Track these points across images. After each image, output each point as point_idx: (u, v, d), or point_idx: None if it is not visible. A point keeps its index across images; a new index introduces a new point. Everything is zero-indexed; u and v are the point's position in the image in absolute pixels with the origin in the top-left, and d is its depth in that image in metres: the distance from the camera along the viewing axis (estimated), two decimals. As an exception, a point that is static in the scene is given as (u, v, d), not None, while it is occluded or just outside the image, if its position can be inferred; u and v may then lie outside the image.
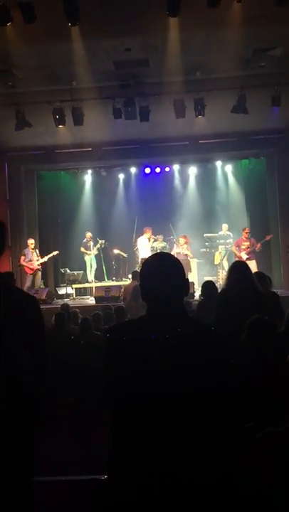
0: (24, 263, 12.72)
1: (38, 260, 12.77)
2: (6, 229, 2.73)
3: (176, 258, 2.18)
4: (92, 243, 14.11)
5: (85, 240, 14.20)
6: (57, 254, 13.46)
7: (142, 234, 13.76)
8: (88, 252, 14.12)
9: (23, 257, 12.72)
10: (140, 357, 1.95)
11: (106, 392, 2.08)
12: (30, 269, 12.68)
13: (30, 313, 2.55)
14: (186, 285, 2.11)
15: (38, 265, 12.79)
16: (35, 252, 12.87)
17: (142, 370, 1.93)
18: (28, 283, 12.70)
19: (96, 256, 14.28)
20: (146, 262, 2.15)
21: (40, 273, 13.02)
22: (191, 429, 1.88)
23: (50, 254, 13.15)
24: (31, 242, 12.90)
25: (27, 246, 12.87)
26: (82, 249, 14.14)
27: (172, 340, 1.95)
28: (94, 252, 14.13)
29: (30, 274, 12.73)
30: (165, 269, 2.08)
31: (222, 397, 1.98)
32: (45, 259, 13.00)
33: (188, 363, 1.92)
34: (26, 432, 2.45)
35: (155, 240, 13.65)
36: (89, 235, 14.19)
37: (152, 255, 2.23)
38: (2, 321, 2.39)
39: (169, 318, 2.00)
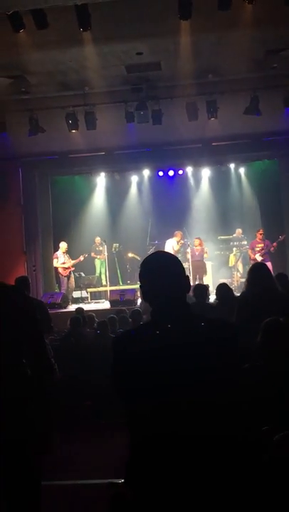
0: (58, 265, 12.93)
1: (69, 262, 13.00)
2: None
3: (173, 256, 2.16)
4: (101, 248, 14.21)
5: (93, 245, 14.31)
6: (86, 256, 13.60)
7: (171, 236, 13.74)
8: (98, 256, 14.22)
9: (55, 260, 12.94)
10: (148, 359, 1.94)
11: (117, 394, 2.09)
12: (65, 270, 12.92)
13: (22, 313, 2.44)
14: (187, 282, 2.07)
15: (72, 266, 13.09)
16: (67, 255, 13.07)
17: (151, 370, 1.92)
18: (64, 286, 12.98)
19: (109, 260, 14.31)
20: (144, 263, 2.11)
21: (73, 276, 13.29)
22: (205, 424, 1.87)
23: (81, 257, 13.31)
24: (64, 245, 13.10)
25: (58, 249, 13.13)
26: (93, 254, 14.27)
27: (177, 335, 1.93)
28: (103, 255, 14.20)
29: (65, 276, 12.92)
30: (163, 268, 2.04)
31: (234, 387, 1.98)
32: (76, 261, 13.18)
33: (197, 355, 1.90)
34: (31, 439, 2.39)
35: (183, 245, 13.61)
36: (98, 239, 14.30)
37: (149, 255, 2.18)
38: None
39: (173, 316, 1.98)
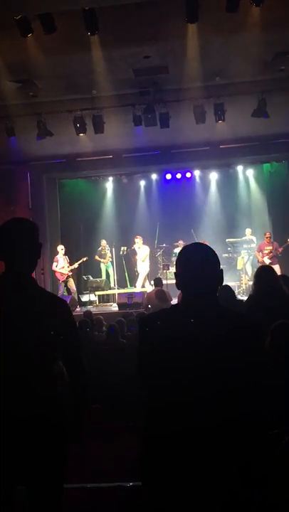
0: (56, 269, 12.88)
1: (68, 267, 12.90)
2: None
3: (211, 249, 2.21)
4: (106, 251, 14.19)
5: (99, 248, 14.33)
6: (86, 259, 13.53)
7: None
8: (102, 260, 14.23)
9: (55, 263, 12.90)
10: (174, 340, 2.00)
11: (140, 377, 2.15)
12: (62, 275, 12.83)
13: (62, 319, 2.47)
14: (221, 275, 2.15)
15: (70, 271, 12.92)
16: (66, 258, 13.01)
17: (176, 355, 1.97)
18: (61, 290, 12.87)
19: (117, 263, 14.30)
20: (181, 252, 2.19)
21: (72, 279, 13.17)
22: (221, 414, 1.89)
23: (80, 261, 13.26)
24: (61, 248, 13.06)
25: (57, 253, 13.05)
26: (97, 257, 14.28)
27: (206, 325, 1.99)
28: (108, 259, 14.18)
29: (62, 281, 12.87)
30: (203, 259, 2.12)
31: (256, 384, 2.01)
32: (76, 265, 13.10)
33: (223, 348, 1.96)
34: (58, 441, 2.42)
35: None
36: (104, 242, 14.30)
37: (189, 245, 2.25)
38: (30, 325, 2.35)
39: (204, 306, 2.05)
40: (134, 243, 13.62)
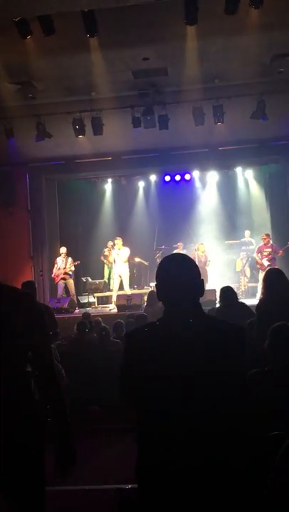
0: (53, 271, 12.87)
1: (64, 268, 12.87)
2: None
3: (190, 258, 2.20)
4: (107, 253, 14.16)
5: (105, 249, 14.27)
6: (78, 263, 13.45)
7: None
8: (105, 260, 14.20)
9: (55, 266, 12.89)
10: (159, 353, 1.98)
11: (123, 392, 2.14)
12: (57, 277, 12.82)
13: (27, 315, 2.36)
14: (201, 285, 2.12)
15: (63, 274, 12.87)
16: (66, 260, 12.97)
17: (161, 365, 1.95)
18: (60, 291, 12.87)
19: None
20: (161, 264, 2.18)
21: (71, 281, 13.11)
22: (214, 423, 1.87)
23: (72, 265, 13.17)
24: (63, 250, 13.04)
25: (60, 254, 13.03)
26: (102, 258, 14.24)
27: (189, 333, 1.97)
28: (108, 261, 14.13)
29: (57, 283, 12.85)
30: (180, 270, 2.11)
31: (242, 390, 2.00)
32: (67, 269, 13.00)
33: (208, 354, 1.94)
34: (34, 443, 2.36)
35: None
36: (110, 244, 14.26)
37: (167, 257, 2.25)
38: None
39: (186, 316, 2.02)
40: (114, 244, 13.34)
